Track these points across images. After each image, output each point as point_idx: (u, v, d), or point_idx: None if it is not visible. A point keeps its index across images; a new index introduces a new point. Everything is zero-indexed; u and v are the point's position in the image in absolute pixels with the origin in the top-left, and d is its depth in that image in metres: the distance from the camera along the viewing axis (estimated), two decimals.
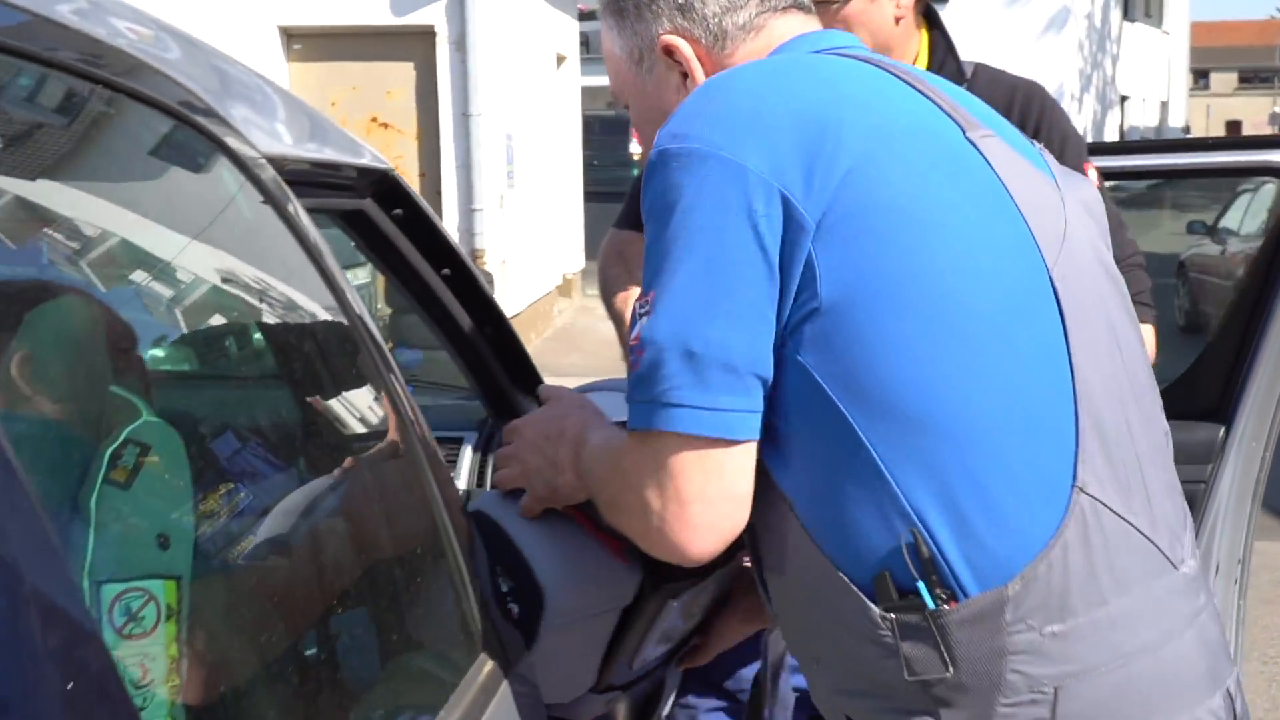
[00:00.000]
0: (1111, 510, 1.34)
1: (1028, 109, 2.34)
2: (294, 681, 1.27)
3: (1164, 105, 35.26)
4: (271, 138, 1.57)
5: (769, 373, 1.35)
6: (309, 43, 10.72)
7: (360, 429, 1.68)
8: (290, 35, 10.65)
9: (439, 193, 10.93)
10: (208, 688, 1.15)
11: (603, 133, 22.70)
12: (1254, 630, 5.21)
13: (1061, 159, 1.76)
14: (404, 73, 10.94)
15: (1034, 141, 1.60)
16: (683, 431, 1.33)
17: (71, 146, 1.21)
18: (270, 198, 1.43)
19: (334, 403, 1.65)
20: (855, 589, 1.35)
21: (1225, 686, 1.44)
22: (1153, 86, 33.39)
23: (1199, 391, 3.07)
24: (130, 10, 1.44)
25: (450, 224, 10.68)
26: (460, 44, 10.51)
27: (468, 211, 10.78)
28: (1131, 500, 1.37)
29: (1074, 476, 1.33)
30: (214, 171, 1.38)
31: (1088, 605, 1.32)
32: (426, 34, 10.61)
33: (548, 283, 13.39)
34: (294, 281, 1.53)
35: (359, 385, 1.65)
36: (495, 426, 2.47)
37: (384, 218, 2.06)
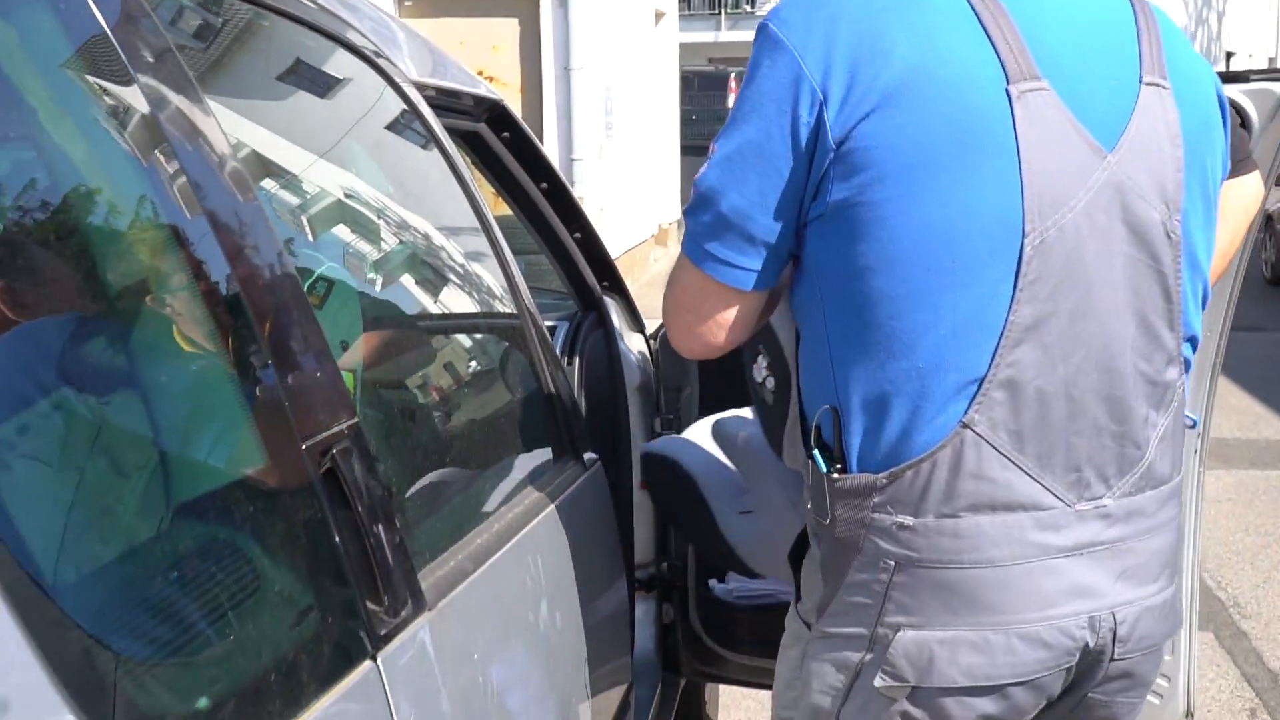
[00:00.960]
0: (995, 449, 1.53)
1: None
2: (443, 452, 1.82)
3: (1271, 61, 34.69)
4: (414, 68, 2.11)
5: (782, 247, 1.60)
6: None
7: (490, 299, 2.23)
8: None
9: (541, 141, 11.46)
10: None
11: (701, 88, 23.08)
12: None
13: None
14: (509, 29, 11.46)
15: (1154, 82, 1.61)
16: (695, 263, 1.63)
17: (287, 69, 1.76)
18: (418, 114, 1.97)
19: (472, 272, 2.21)
20: (802, 425, 1.69)
21: (1089, 614, 1.59)
22: (1260, 42, 32.90)
23: None
24: None
25: None
26: (562, 1, 11.01)
27: (568, 161, 11.30)
28: (1029, 445, 1.55)
29: (964, 413, 1.53)
30: (381, 94, 1.93)
31: (938, 513, 1.54)
32: None
33: (644, 231, 13.88)
34: (436, 180, 2.07)
35: (488, 264, 2.19)
36: (583, 317, 3.00)
37: (495, 139, 2.59)
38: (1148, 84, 1.59)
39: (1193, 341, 1.67)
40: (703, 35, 29.19)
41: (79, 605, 0.92)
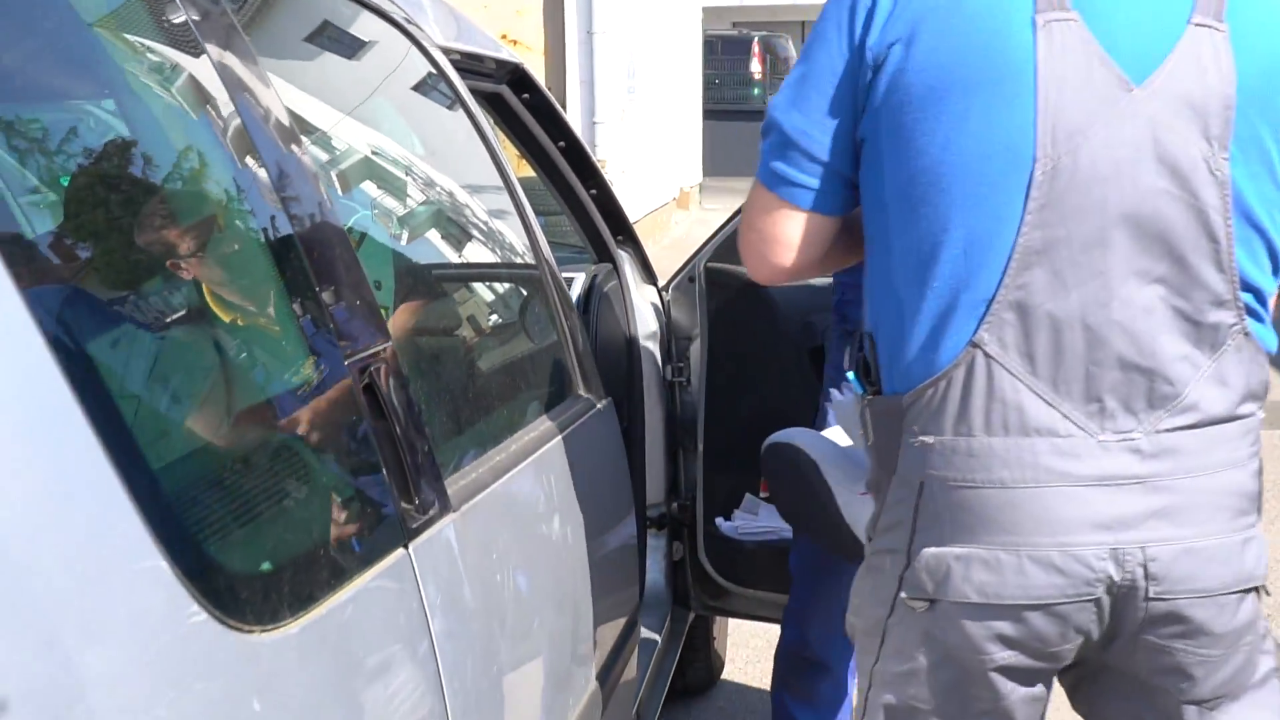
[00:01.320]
0: (1007, 370, 1.59)
1: None
2: (471, 376, 2.02)
3: None
4: (440, 32, 2.29)
5: (840, 165, 1.68)
6: None
7: (511, 251, 2.43)
8: None
9: (564, 105, 11.62)
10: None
11: (725, 53, 23.11)
12: None
13: None
14: None
15: (1204, 23, 1.61)
16: (763, 183, 1.73)
17: (321, 33, 1.95)
18: (445, 77, 2.16)
19: (495, 226, 2.41)
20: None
21: (1111, 546, 1.60)
22: None
23: None
24: None
25: None
26: None
27: (590, 124, 11.45)
28: (1043, 369, 1.59)
29: (973, 334, 1.59)
30: (409, 57, 2.12)
31: (955, 431, 1.61)
32: None
33: (665, 194, 14.04)
34: (462, 139, 2.27)
35: (510, 219, 2.38)
36: (598, 269, 3.19)
37: (516, 100, 2.78)
38: (1196, 24, 1.58)
39: (1257, 294, 1.65)
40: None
41: (174, 488, 1.13)
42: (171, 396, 1.21)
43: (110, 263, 1.24)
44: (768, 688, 3.22)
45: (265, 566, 1.19)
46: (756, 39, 24.05)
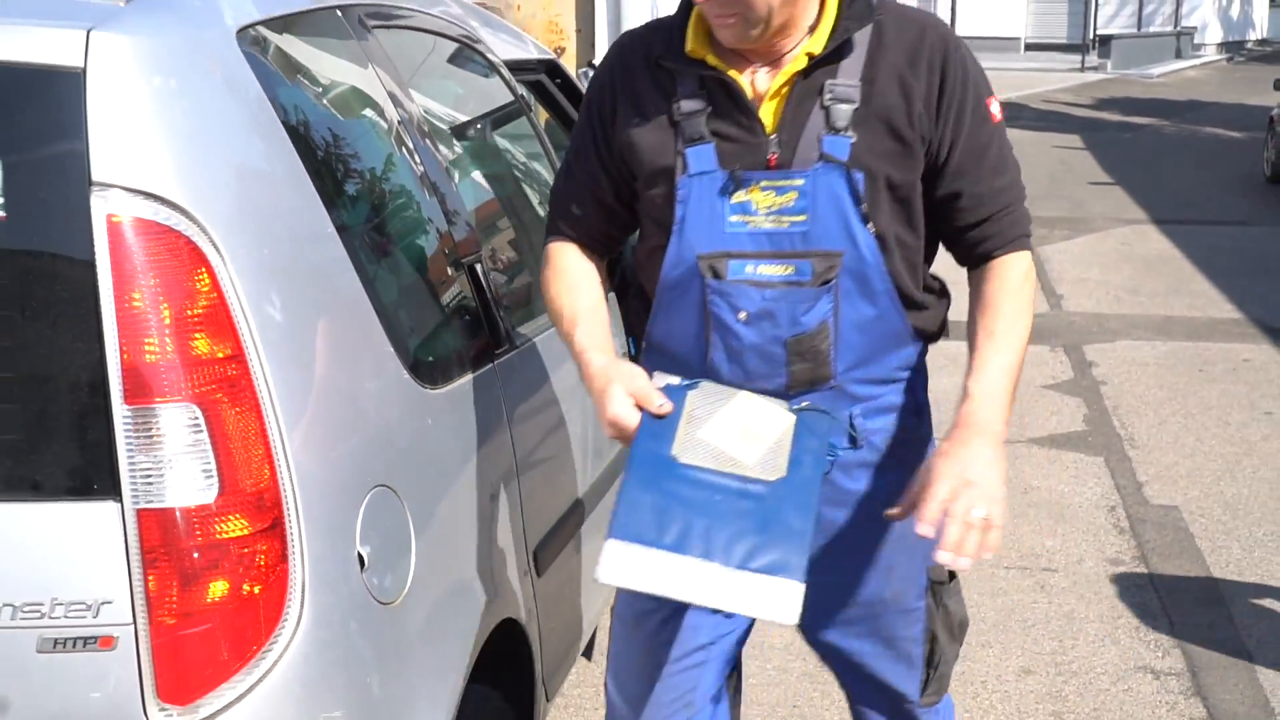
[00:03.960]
0: None
1: (934, 48, 2.17)
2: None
3: None
4: (500, 47, 3.48)
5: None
6: None
7: (544, 187, 3.63)
8: None
9: (593, 45, 12.75)
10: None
11: None
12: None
13: (963, 98, 2.17)
14: None
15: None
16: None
17: (438, 62, 3.15)
18: (508, 83, 3.35)
19: (543, 185, 3.61)
20: None
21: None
22: None
23: None
24: None
25: None
26: None
27: None
28: None
29: None
30: (485, 70, 3.31)
31: None
32: None
33: None
34: (514, 121, 3.46)
35: (543, 171, 3.58)
36: None
37: (551, 85, 3.96)
38: None
39: None
40: None
41: (397, 318, 2.33)
42: (399, 275, 2.41)
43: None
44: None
45: (431, 357, 2.40)
46: None
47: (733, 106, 2.18)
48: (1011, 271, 2.25)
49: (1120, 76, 31.08)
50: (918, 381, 2.35)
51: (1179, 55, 36.93)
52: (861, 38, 2.17)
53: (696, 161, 2.18)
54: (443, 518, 2.33)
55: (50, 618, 1.82)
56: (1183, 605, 4.61)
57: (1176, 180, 15.42)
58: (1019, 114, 22.22)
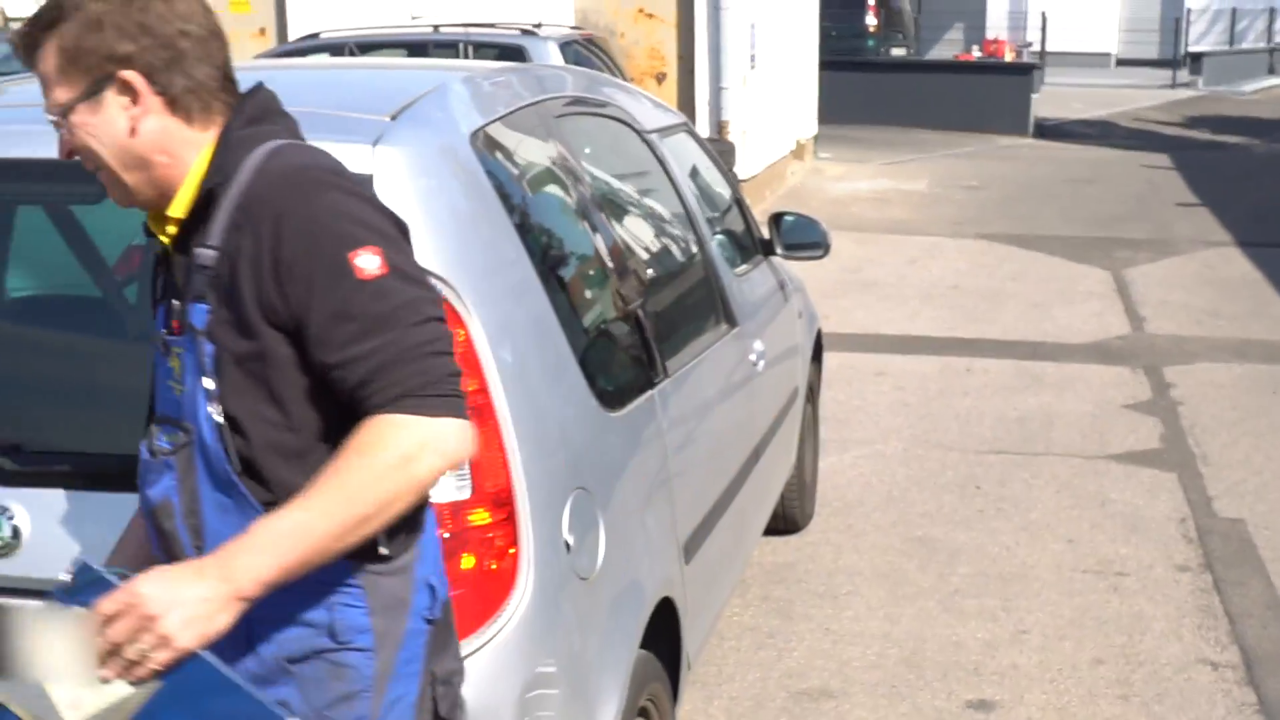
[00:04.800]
0: None
1: (268, 208, 1.98)
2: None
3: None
4: (644, 120, 4.11)
5: None
6: None
7: (687, 246, 4.25)
8: None
9: (692, 72, 13.36)
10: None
11: (841, 6, 24.55)
12: None
13: (309, 261, 1.93)
14: None
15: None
16: None
17: (602, 137, 3.79)
18: (652, 148, 3.98)
19: (678, 230, 4.24)
20: None
21: None
22: None
23: None
24: (586, 76, 4.00)
25: (701, 100, 13.10)
26: None
27: (717, 90, 13.18)
28: None
29: None
30: (635, 141, 3.94)
31: None
32: None
33: (783, 148, 15.71)
34: (658, 183, 4.09)
35: (689, 228, 4.19)
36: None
37: (691, 142, 4.58)
38: None
39: None
40: None
41: (585, 351, 2.94)
42: (586, 322, 3.03)
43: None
44: None
45: (611, 388, 3.02)
46: None
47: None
48: (370, 430, 1.93)
49: (1211, 93, 31.14)
50: None
51: (1271, 71, 36.83)
52: (225, 197, 2.01)
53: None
54: (619, 515, 2.95)
55: None
56: (1242, 608, 5.12)
57: (1264, 201, 15.70)
58: (1109, 132, 22.50)
